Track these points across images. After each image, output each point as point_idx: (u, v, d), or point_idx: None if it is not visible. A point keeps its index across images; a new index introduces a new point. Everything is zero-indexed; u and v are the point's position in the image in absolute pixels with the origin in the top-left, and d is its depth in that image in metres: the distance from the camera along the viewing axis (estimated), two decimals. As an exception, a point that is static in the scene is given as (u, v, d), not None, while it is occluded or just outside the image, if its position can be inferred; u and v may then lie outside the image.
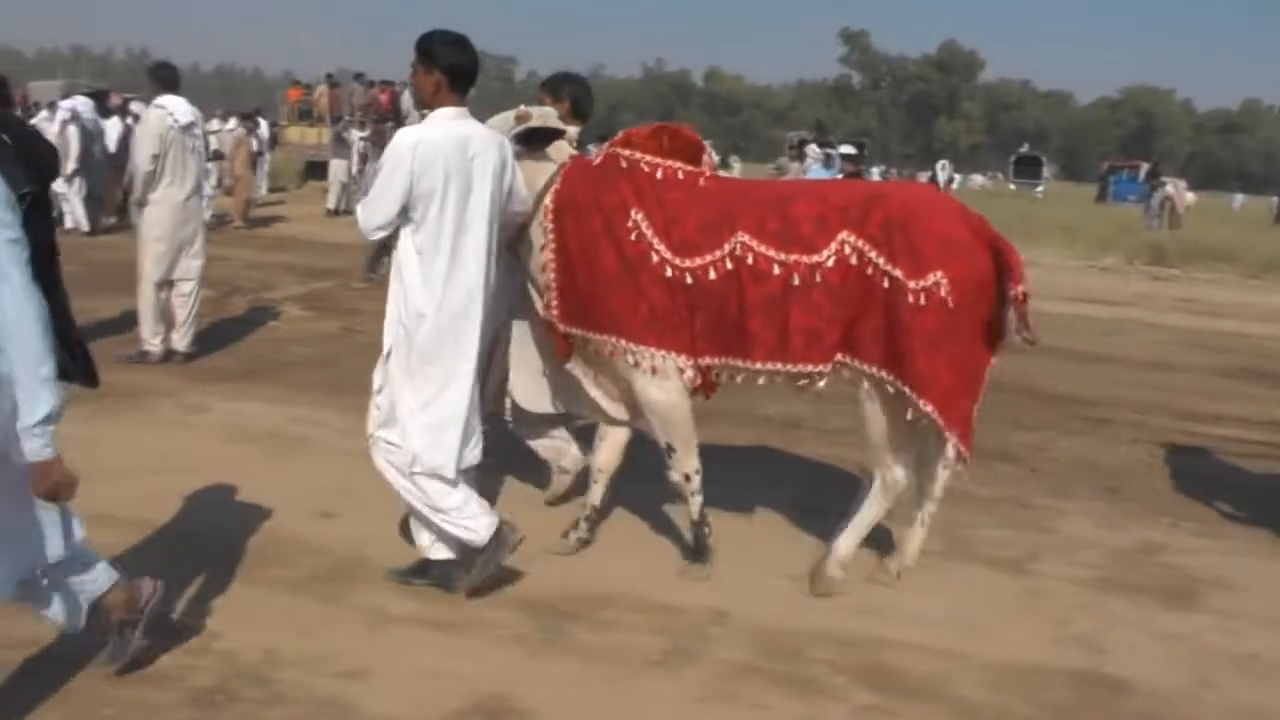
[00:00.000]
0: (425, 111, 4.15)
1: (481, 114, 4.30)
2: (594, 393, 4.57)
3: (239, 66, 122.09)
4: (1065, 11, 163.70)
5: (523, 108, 4.53)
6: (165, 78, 7.82)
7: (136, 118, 15.58)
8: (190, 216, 7.84)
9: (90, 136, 14.93)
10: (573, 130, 4.66)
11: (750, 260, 4.05)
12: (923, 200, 4.24)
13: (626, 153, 4.26)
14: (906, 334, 3.97)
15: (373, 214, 3.96)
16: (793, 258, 4.03)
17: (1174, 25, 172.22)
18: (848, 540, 4.42)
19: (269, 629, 3.85)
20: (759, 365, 4.17)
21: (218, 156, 16.29)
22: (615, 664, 3.78)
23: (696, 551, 4.57)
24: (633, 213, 4.16)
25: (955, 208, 4.29)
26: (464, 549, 4.13)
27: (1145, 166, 43.26)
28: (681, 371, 4.24)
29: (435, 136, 3.93)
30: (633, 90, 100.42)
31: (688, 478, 4.48)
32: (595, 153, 4.62)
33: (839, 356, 4.10)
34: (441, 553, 4.20)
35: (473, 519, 4.06)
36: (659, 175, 4.22)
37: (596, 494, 4.73)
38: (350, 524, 4.83)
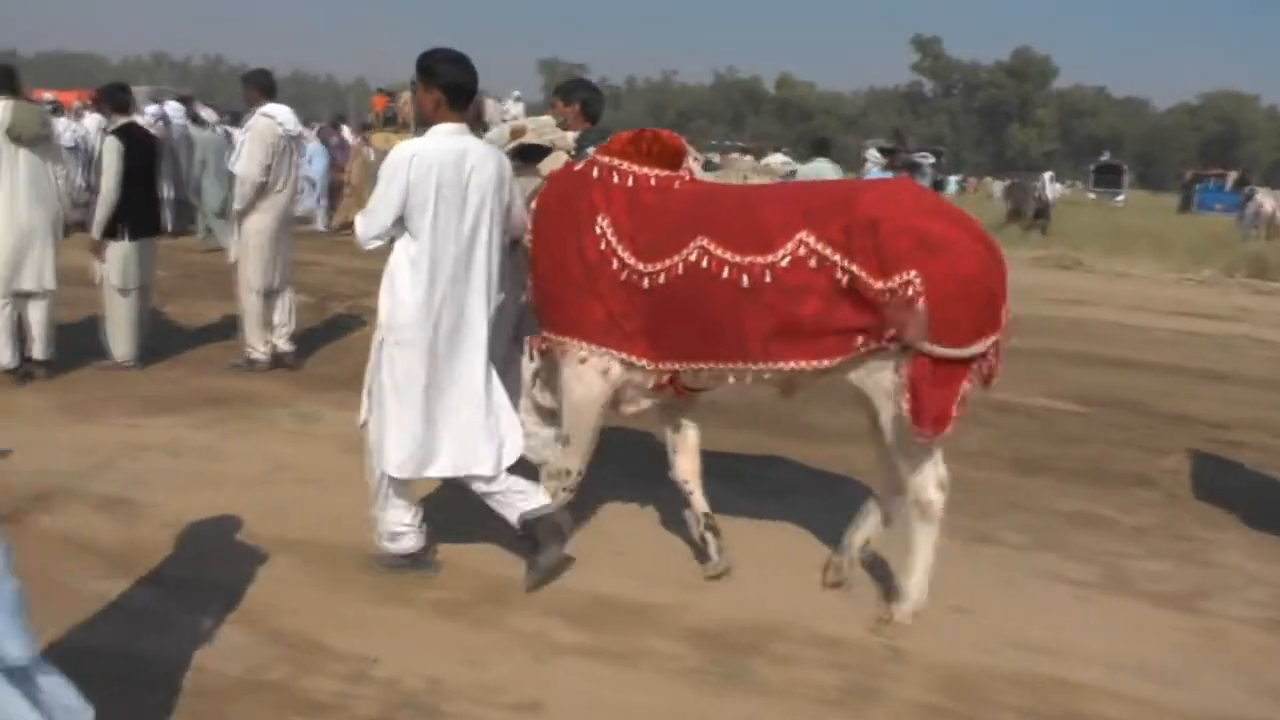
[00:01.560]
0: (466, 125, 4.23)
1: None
2: (540, 387, 4.65)
3: (312, 73, 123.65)
4: (1142, 16, 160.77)
5: (518, 122, 4.66)
6: (266, 85, 7.73)
7: (203, 123, 15.71)
8: (289, 224, 7.86)
9: (183, 140, 15.01)
10: (570, 137, 4.77)
11: (705, 263, 3.99)
12: (898, 197, 3.97)
13: (604, 160, 4.27)
14: (866, 335, 3.83)
15: (369, 225, 4.05)
16: (746, 259, 3.93)
17: (1257, 29, 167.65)
18: (916, 584, 4.15)
19: (429, 656, 3.71)
20: (722, 366, 4.12)
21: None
22: (796, 701, 3.59)
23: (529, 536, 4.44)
24: (599, 219, 4.18)
25: (937, 204, 4.13)
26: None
27: (1233, 175, 42.11)
28: (609, 372, 4.25)
29: (431, 150, 4.02)
30: (704, 97, 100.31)
31: (567, 472, 4.51)
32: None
33: (819, 361, 3.93)
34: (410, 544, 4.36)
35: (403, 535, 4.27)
36: (630, 182, 4.21)
37: (699, 502, 4.67)
38: (492, 543, 4.67)
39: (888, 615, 4.17)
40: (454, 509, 4.96)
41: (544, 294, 4.41)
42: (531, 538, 4.25)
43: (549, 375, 4.68)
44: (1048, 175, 29.41)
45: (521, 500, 4.25)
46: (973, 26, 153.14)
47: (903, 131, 44.71)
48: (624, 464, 5.84)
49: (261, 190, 7.36)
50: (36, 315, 7.03)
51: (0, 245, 6.78)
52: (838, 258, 3.82)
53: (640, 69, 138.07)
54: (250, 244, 7.48)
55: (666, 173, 4.26)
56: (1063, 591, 4.61)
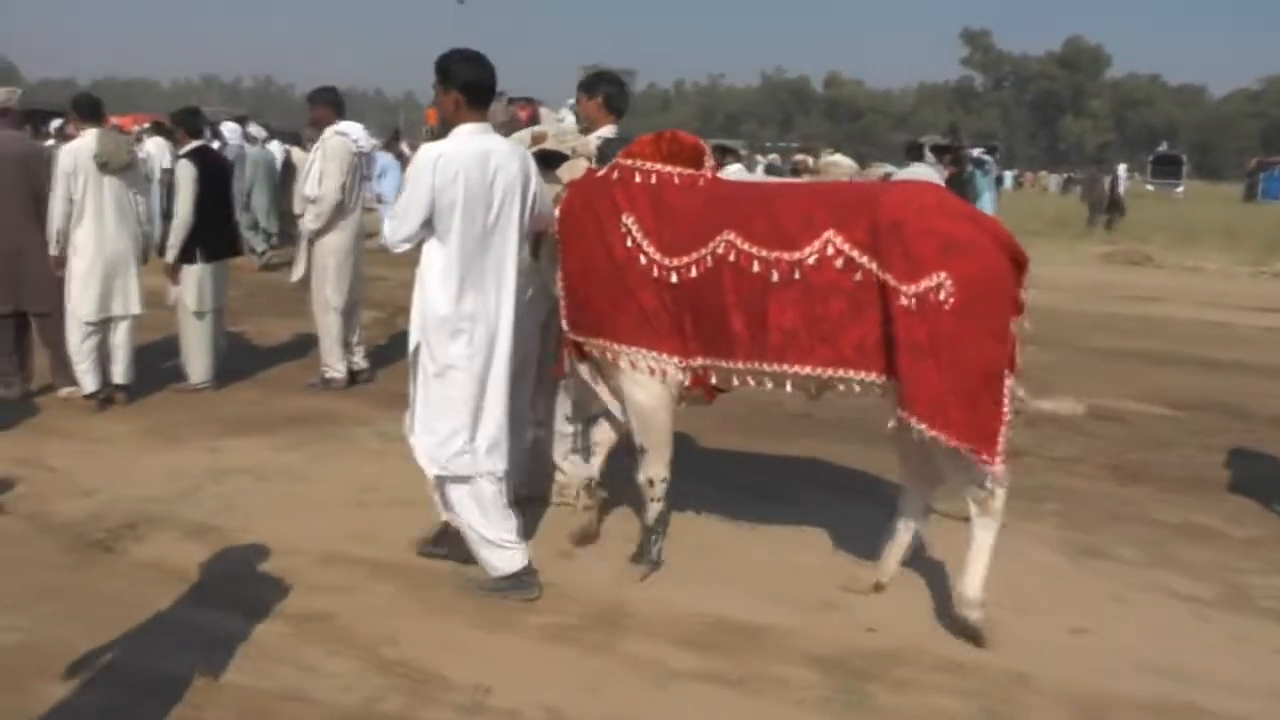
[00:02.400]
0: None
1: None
2: (604, 396, 4.60)
3: (360, 88, 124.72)
4: (1196, 0, 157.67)
5: (538, 129, 4.70)
6: (336, 102, 7.70)
7: (252, 139, 15.79)
8: (363, 240, 7.84)
9: (239, 161, 15.13)
10: (592, 144, 4.79)
11: (733, 257, 4.00)
12: (920, 199, 3.95)
13: (626, 161, 4.31)
14: (896, 341, 3.80)
15: (397, 228, 4.08)
16: (774, 254, 3.94)
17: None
18: (974, 581, 4.06)
19: (544, 683, 3.61)
20: (741, 365, 4.11)
21: None
22: (926, 731, 3.45)
23: (641, 554, 4.53)
24: (624, 217, 4.21)
25: (960, 207, 4.10)
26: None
27: (1301, 161, 41.20)
28: (663, 372, 4.25)
29: (456, 151, 4.04)
30: (752, 98, 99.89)
31: (652, 482, 4.49)
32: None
33: (842, 370, 3.92)
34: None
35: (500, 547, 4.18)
36: (653, 180, 4.25)
37: (595, 465, 4.84)
38: (595, 565, 4.59)
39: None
40: (547, 530, 4.90)
41: (577, 298, 4.41)
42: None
43: (581, 377, 4.67)
44: (1122, 168, 28.82)
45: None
46: (1022, 18, 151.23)
47: (958, 127, 44.10)
48: (723, 479, 5.76)
49: (339, 209, 7.32)
50: (119, 339, 7.05)
51: (90, 272, 6.82)
52: (865, 259, 3.83)
53: (688, 72, 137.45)
54: (329, 263, 7.44)
55: (689, 171, 4.28)
56: (1181, 610, 4.43)
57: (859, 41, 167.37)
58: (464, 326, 4.09)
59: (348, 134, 7.37)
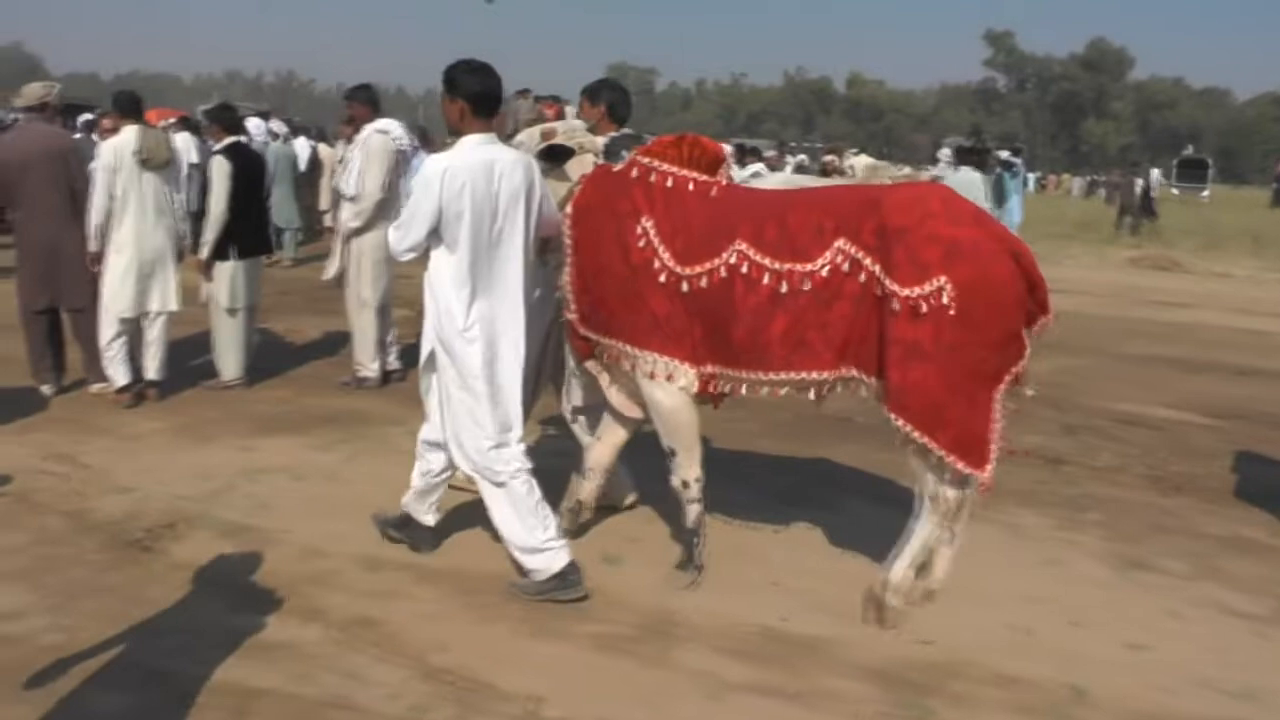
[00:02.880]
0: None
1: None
2: (611, 393, 4.58)
3: (382, 85, 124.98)
4: (1221, 2, 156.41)
5: (547, 125, 4.70)
6: (373, 99, 7.65)
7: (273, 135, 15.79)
8: None
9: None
10: (600, 141, 4.82)
11: (745, 269, 4.00)
12: (925, 203, 3.92)
13: (645, 161, 4.29)
14: (887, 344, 3.80)
15: (403, 237, 4.17)
16: (785, 266, 3.94)
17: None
18: (900, 566, 4.14)
19: (598, 695, 3.55)
20: (747, 374, 4.11)
21: None
22: (988, 750, 3.38)
23: (686, 559, 4.51)
24: (643, 220, 4.20)
25: (968, 210, 4.02)
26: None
27: (1328, 167, 40.81)
28: (669, 377, 4.23)
29: (462, 164, 4.09)
30: (774, 98, 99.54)
31: (686, 484, 4.44)
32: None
33: (845, 370, 3.94)
34: (430, 520, 4.56)
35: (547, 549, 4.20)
36: (670, 184, 4.22)
37: (586, 490, 4.77)
38: (642, 573, 4.53)
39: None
40: (590, 535, 4.84)
41: (590, 296, 4.39)
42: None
43: (588, 378, 4.70)
44: (1156, 172, 28.50)
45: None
46: (1045, 19, 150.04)
47: (982, 129, 43.92)
48: (765, 485, 5.70)
49: (380, 207, 7.28)
50: (154, 335, 7.04)
51: (129, 268, 6.81)
52: (869, 261, 3.83)
53: (710, 72, 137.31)
54: (367, 260, 7.39)
55: (705, 177, 4.26)
56: (1238, 627, 4.33)
57: (881, 42, 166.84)
58: (478, 334, 4.17)
59: (389, 131, 7.31)
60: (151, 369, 7.11)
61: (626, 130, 5.24)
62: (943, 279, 3.72)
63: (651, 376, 4.25)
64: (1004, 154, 26.62)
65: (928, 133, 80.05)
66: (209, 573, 4.36)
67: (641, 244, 4.18)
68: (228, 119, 7.51)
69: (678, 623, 4.08)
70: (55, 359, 7.18)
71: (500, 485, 4.21)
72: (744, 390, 4.21)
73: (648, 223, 4.18)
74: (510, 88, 7.10)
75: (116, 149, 6.75)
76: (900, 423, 3.84)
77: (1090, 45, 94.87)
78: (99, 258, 6.84)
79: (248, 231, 7.33)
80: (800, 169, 19.96)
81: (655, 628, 4.05)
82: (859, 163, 22.09)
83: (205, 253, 7.19)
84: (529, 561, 4.21)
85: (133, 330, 7.02)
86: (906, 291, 3.74)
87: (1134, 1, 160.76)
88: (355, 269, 7.40)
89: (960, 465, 3.87)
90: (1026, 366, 4.00)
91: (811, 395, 4.13)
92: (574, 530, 4.74)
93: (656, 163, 4.26)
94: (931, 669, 3.83)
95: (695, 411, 4.36)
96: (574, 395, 5.02)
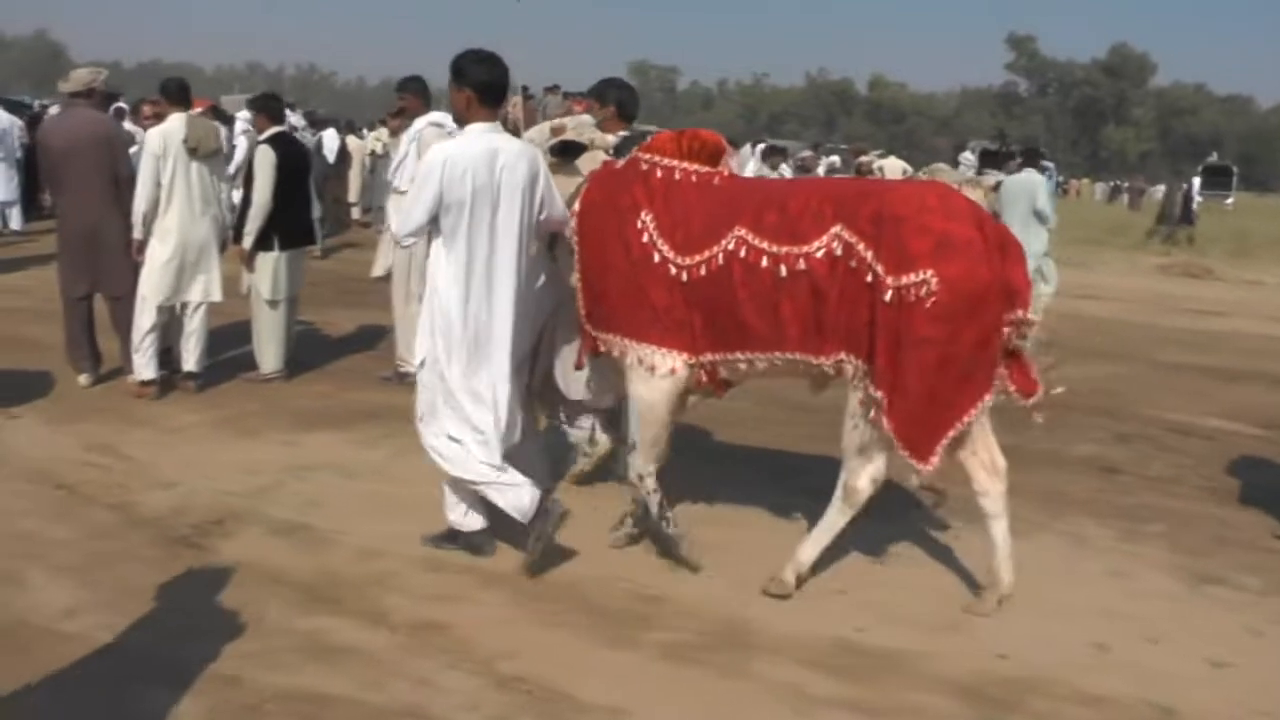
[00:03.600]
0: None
1: (645, 124, 4.31)
2: (621, 392, 4.62)
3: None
4: (1244, 9, 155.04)
5: (558, 120, 4.74)
6: (425, 91, 7.55)
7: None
8: None
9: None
10: (610, 138, 4.82)
11: (743, 253, 4.04)
12: (923, 197, 3.99)
13: (646, 156, 4.32)
14: (876, 329, 3.85)
15: (404, 223, 4.25)
16: (783, 249, 3.98)
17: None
18: (809, 549, 4.28)
19: (680, 708, 3.45)
20: (757, 355, 4.14)
21: None
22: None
23: (624, 521, 4.70)
24: (643, 213, 4.23)
25: (964, 207, 4.03)
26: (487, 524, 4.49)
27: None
28: (672, 369, 4.25)
29: (465, 151, 4.16)
30: (795, 99, 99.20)
31: (641, 478, 4.48)
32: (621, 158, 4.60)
33: (841, 354, 3.98)
34: (475, 523, 4.48)
35: (514, 488, 4.26)
36: (674, 176, 4.27)
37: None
38: (709, 581, 4.40)
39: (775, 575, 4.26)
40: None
41: (593, 291, 4.41)
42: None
43: (599, 374, 4.76)
44: (1196, 181, 28.15)
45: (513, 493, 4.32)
46: (1068, 24, 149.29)
47: (1006, 133, 43.64)
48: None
49: None
50: (194, 326, 6.96)
51: (172, 257, 6.73)
52: (862, 247, 3.86)
53: (732, 71, 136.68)
54: (420, 255, 7.27)
55: (706, 169, 4.30)
56: (1324, 644, 4.20)
57: (903, 44, 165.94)
58: (471, 324, 4.23)
59: (443, 125, 7.18)
60: (191, 360, 7.03)
61: (639, 128, 5.27)
62: (929, 272, 3.75)
63: (651, 369, 4.27)
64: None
65: (949, 135, 79.70)
66: (265, 572, 4.26)
67: (644, 239, 4.20)
68: (273, 108, 7.42)
69: (751, 631, 3.98)
70: (91, 347, 7.11)
71: (442, 456, 4.34)
72: (758, 368, 4.22)
73: (647, 216, 4.22)
74: (535, 84, 7.04)
75: (165, 136, 6.67)
76: (881, 398, 3.90)
77: (1112, 51, 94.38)
78: (142, 246, 6.76)
79: (291, 222, 7.24)
80: (832, 170, 19.77)
81: (728, 637, 3.94)
82: (888, 165, 21.94)
83: (248, 243, 7.10)
84: (458, 512, 4.44)
85: (168, 323, 6.94)
86: (892, 280, 3.78)
87: (1157, 7, 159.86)
88: (404, 264, 7.27)
89: (904, 454, 3.95)
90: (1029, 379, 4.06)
91: (831, 375, 4.14)
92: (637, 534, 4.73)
93: (657, 158, 4.30)
94: (1011, 684, 3.72)
95: (671, 411, 4.39)
96: (572, 391, 5.06)
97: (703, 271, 4.10)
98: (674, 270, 4.15)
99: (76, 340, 7.02)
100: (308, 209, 7.70)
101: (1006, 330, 3.96)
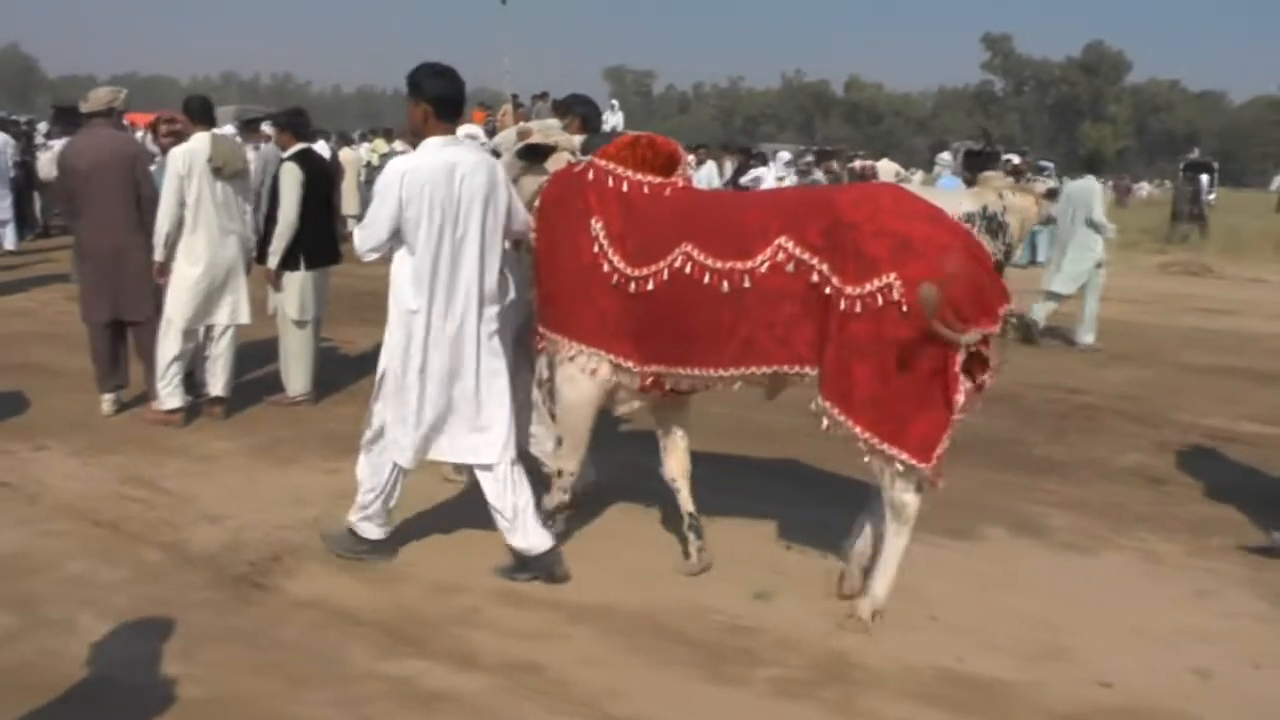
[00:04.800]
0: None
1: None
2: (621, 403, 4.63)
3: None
4: (1217, 6, 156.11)
5: (524, 124, 4.78)
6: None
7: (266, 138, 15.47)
8: None
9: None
10: (576, 140, 4.86)
11: (688, 269, 4.03)
12: (876, 200, 3.93)
13: (601, 163, 4.33)
14: (832, 344, 3.79)
15: (365, 238, 4.25)
16: (727, 265, 3.96)
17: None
18: (881, 581, 4.09)
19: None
20: (699, 371, 4.13)
21: None
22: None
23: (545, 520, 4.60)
24: (593, 221, 4.25)
25: (921, 208, 3.98)
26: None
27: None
28: (601, 373, 4.31)
29: (422, 165, 4.17)
30: (772, 101, 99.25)
31: (561, 474, 4.61)
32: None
33: (795, 366, 3.95)
34: (542, 543, 4.42)
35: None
36: (624, 187, 4.27)
37: (685, 501, 4.71)
38: (798, 608, 4.27)
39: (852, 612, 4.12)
40: (739, 568, 4.59)
41: (543, 291, 4.49)
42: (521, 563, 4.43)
43: (550, 376, 4.77)
44: (1205, 178, 28.02)
45: (520, 535, 4.37)
46: (1043, 23, 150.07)
47: (990, 132, 43.59)
48: (926, 521, 5.42)
49: None
50: (220, 350, 6.77)
51: (199, 279, 6.53)
52: (815, 261, 3.81)
53: (707, 75, 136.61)
54: None
55: (659, 180, 4.31)
56: None
57: (879, 45, 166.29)
58: (430, 328, 4.21)
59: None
60: (217, 385, 6.83)
61: (605, 129, 5.37)
62: (892, 275, 3.68)
63: (591, 372, 4.32)
64: (1013, 159, 26.28)
65: (926, 135, 79.88)
66: (338, 612, 4.09)
67: (594, 247, 4.23)
68: (298, 125, 7.21)
69: (853, 664, 3.84)
70: (116, 372, 6.90)
71: (395, 467, 4.37)
72: (686, 386, 4.29)
73: (598, 225, 4.23)
74: (516, 90, 6.89)
75: (189, 155, 6.47)
76: (842, 417, 3.83)
77: (1088, 48, 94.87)
78: (165, 268, 6.56)
79: (317, 240, 7.04)
80: (833, 176, 19.64)
81: (831, 670, 3.80)
82: (882, 168, 21.82)
83: (274, 262, 6.91)
84: (368, 525, 4.47)
85: (193, 349, 6.75)
86: (853, 289, 3.72)
87: (1131, 4, 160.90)
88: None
89: (904, 457, 3.82)
90: (995, 366, 3.92)
91: (772, 384, 4.15)
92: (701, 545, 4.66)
93: (612, 165, 4.30)
94: (1119, 715, 3.61)
95: (594, 413, 4.47)
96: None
97: (650, 286, 4.11)
98: (622, 281, 4.17)
99: (104, 367, 6.82)
100: (332, 227, 7.49)
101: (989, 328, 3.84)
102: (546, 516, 4.59)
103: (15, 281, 12.11)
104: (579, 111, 5.40)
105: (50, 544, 4.75)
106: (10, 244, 13.44)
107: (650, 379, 4.31)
